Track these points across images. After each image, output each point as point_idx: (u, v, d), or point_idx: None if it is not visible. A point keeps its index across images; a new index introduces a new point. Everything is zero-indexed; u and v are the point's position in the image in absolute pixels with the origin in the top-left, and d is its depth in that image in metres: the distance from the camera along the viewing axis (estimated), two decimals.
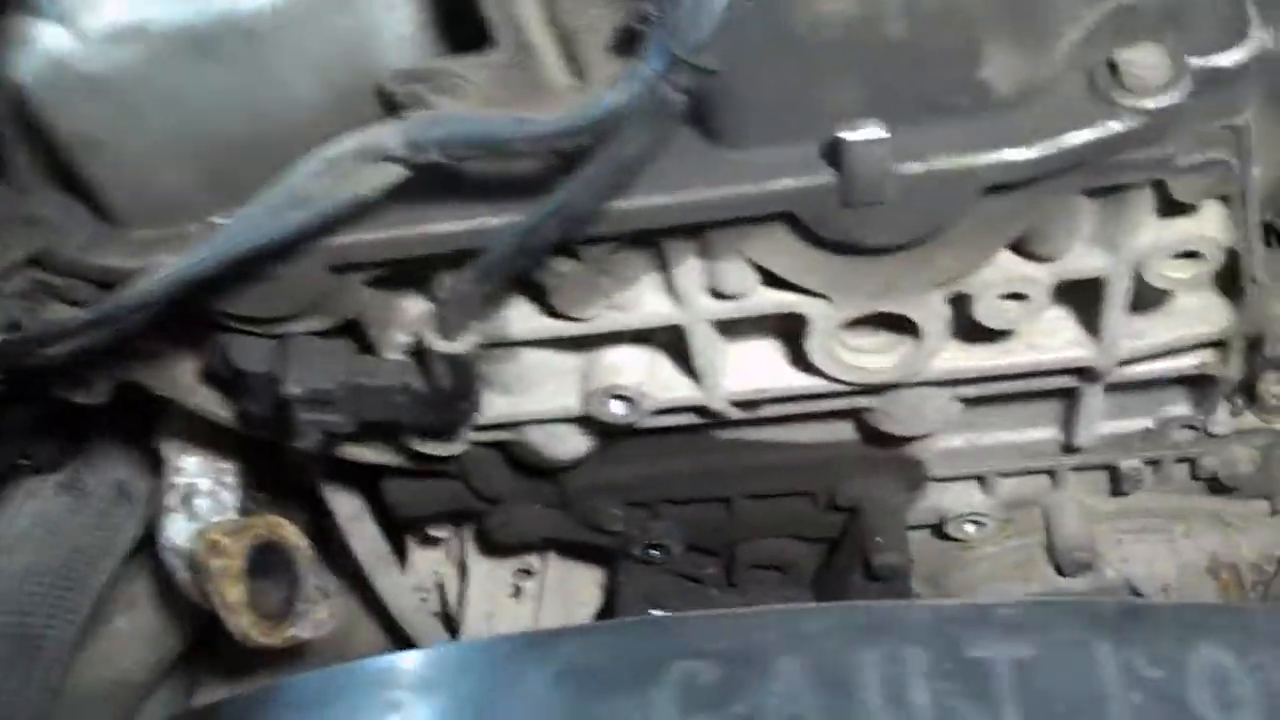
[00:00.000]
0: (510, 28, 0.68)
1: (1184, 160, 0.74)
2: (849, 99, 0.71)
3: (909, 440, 1.05)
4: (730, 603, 1.28)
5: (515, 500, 1.18)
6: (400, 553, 1.39)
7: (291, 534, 1.22)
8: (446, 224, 0.78)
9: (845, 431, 1.07)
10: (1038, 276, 0.83)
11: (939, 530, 1.17)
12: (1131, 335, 0.90)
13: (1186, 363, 0.94)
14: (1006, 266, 0.84)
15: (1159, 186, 0.77)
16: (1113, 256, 0.82)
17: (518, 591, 1.34)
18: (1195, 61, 0.72)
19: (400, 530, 1.35)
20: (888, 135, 0.70)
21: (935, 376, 0.93)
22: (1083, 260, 0.83)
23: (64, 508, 1.34)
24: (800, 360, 0.92)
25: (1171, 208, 0.79)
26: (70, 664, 1.29)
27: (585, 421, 1.00)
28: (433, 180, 0.73)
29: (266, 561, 1.20)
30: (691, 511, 1.19)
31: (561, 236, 0.74)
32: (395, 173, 0.72)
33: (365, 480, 1.27)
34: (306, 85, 0.74)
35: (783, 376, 0.95)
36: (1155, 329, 0.90)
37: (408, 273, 0.87)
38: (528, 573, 1.35)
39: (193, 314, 0.86)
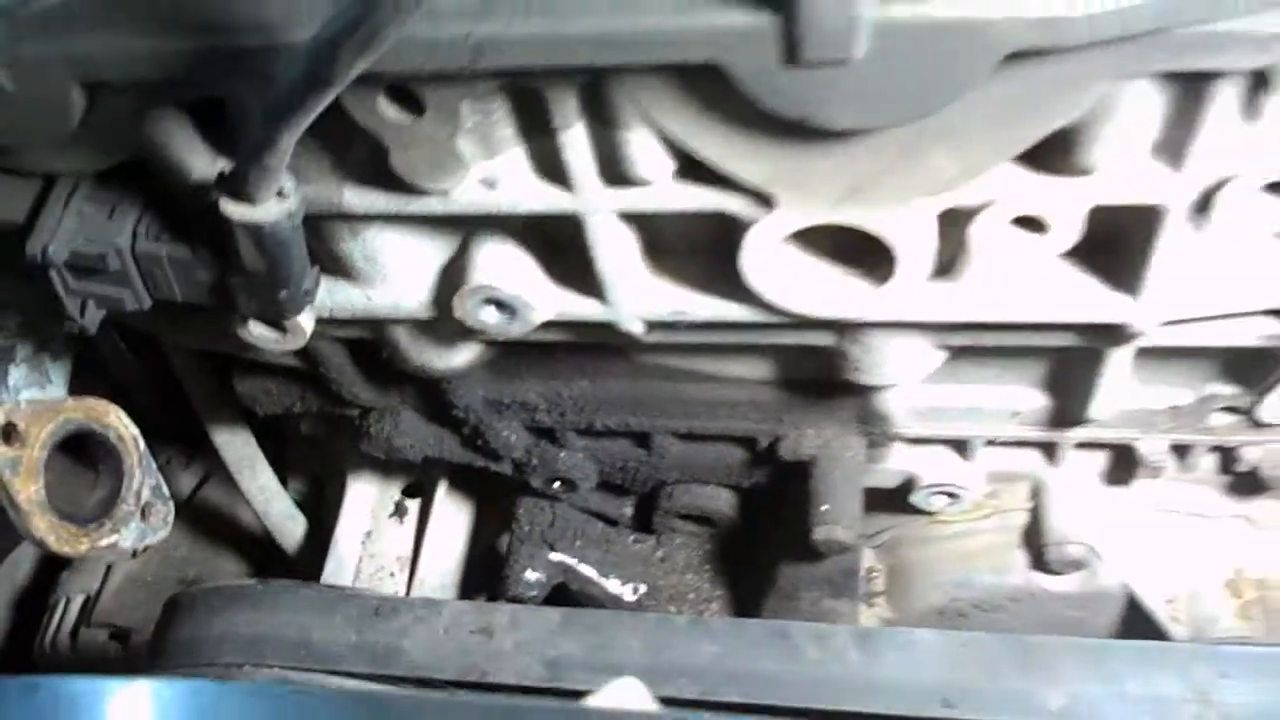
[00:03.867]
0: None
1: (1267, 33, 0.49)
2: None
3: (874, 389, 0.82)
4: (647, 553, 1.07)
5: (388, 409, 0.96)
6: None
7: (118, 421, 1.00)
8: (208, 37, 0.54)
9: (796, 369, 0.84)
10: (1067, 198, 0.59)
11: (903, 498, 0.95)
12: (1181, 291, 0.66)
13: (1247, 333, 0.70)
14: (1023, 179, 0.59)
15: (1258, 81, 0.52)
16: (1175, 175, 0.57)
17: (400, 511, 1.14)
18: None
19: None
20: None
21: (912, 319, 0.70)
22: (1134, 179, 0.58)
23: None
24: (734, 278, 0.68)
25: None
26: None
27: (451, 326, 0.77)
28: None
29: (89, 453, 0.99)
30: (605, 445, 0.97)
31: (367, 63, 0.50)
32: None
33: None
34: None
35: (711, 297, 0.71)
36: (1213, 287, 0.66)
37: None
38: (416, 492, 1.14)
39: None
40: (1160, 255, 0.63)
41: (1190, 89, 0.54)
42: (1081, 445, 0.88)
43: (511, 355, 0.88)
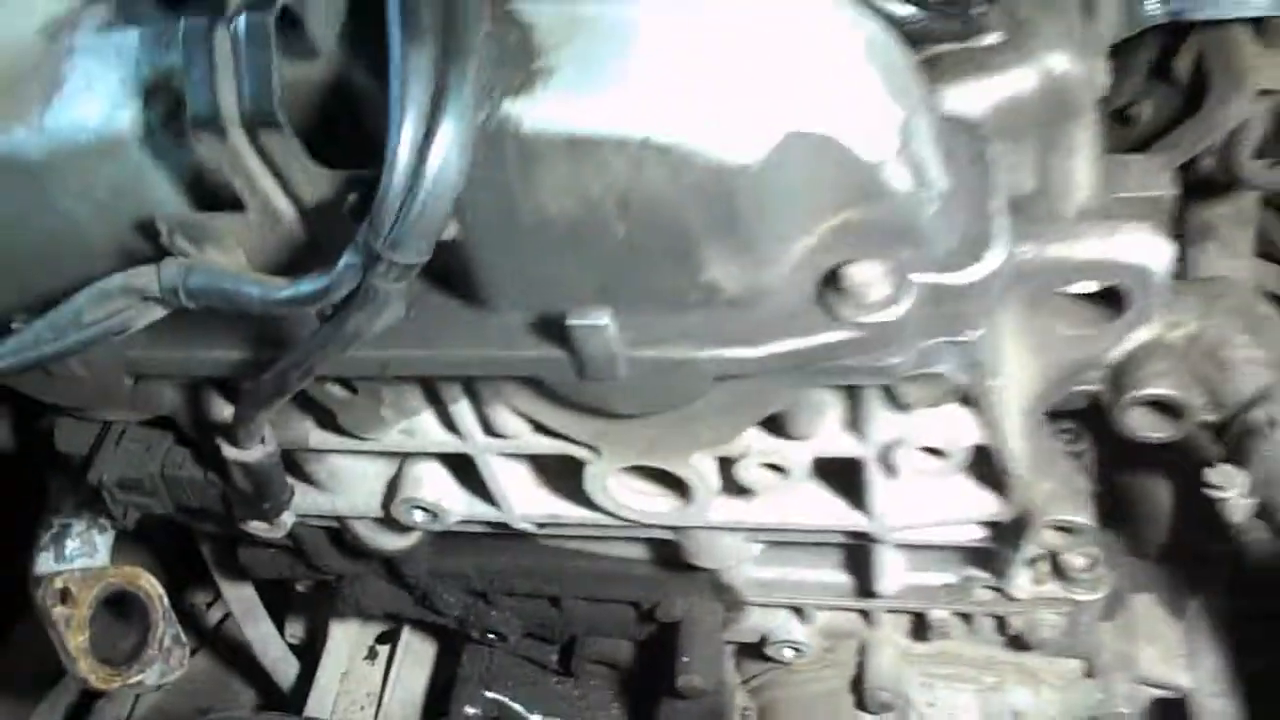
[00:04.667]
0: (255, 197, 0.72)
1: (906, 370, 0.76)
2: (583, 284, 0.74)
3: (713, 570, 1.07)
4: (567, 692, 1.32)
5: (357, 576, 1.22)
6: None
7: (148, 584, 1.27)
8: (214, 352, 0.82)
9: (662, 551, 1.10)
10: (792, 453, 0.86)
11: (761, 651, 1.19)
12: (905, 508, 0.92)
13: (966, 536, 0.96)
14: (765, 439, 0.86)
15: (888, 390, 0.79)
16: (862, 444, 0.84)
17: (373, 654, 1.39)
18: (923, 278, 0.74)
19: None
20: (608, 323, 0.73)
21: (716, 523, 0.96)
22: (835, 443, 0.85)
23: None
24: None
25: (907, 406, 0.81)
26: None
27: (394, 522, 1.04)
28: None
29: (124, 607, 1.27)
30: (526, 605, 1.23)
31: (313, 377, 0.78)
32: (157, 310, 0.77)
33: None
34: (87, 216, 0.79)
35: (575, 506, 0.98)
36: (928, 506, 0.92)
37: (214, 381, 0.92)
38: (388, 638, 1.40)
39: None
40: (871, 488, 0.89)
41: (849, 391, 0.81)
42: (890, 611, 1.13)
43: (448, 537, 1.14)
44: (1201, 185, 1.65)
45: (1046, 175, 0.96)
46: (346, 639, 1.40)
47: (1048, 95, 0.93)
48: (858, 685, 1.15)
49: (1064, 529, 0.89)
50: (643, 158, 0.67)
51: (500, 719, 1.29)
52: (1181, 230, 1.68)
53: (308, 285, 0.69)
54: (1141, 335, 1.02)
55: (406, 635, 1.38)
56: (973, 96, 0.91)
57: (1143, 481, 1.20)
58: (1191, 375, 0.99)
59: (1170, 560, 1.20)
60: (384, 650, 1.40)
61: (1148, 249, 0.81)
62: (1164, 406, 0.97)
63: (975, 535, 0.96)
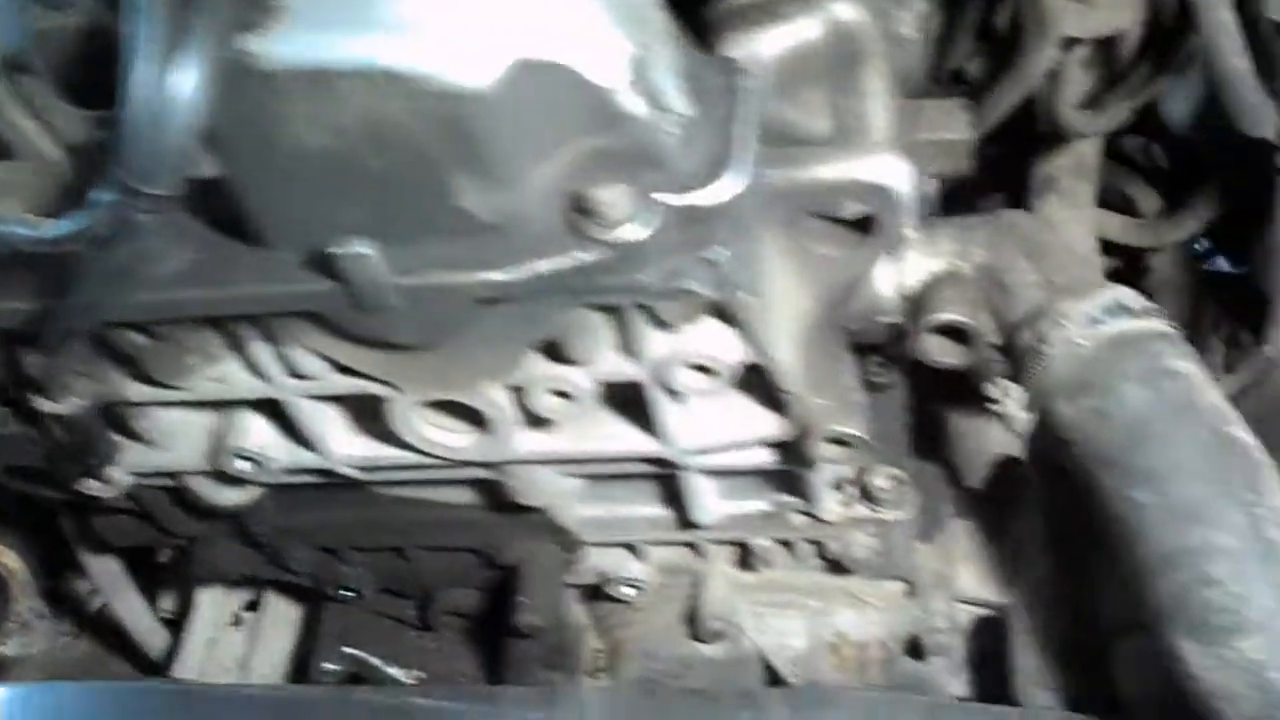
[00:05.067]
0: (21, 141, 0.76)
1: (657, 288, 0.80)
2: (348, 216, 0.79)
3: (534, 508, 1.12)
4: (426, 645, 1.36)
5: (208, 537, 1.25)
6: None
7: (10, 560, 1.30)
8: (9, 303, 0.85)
9: (492, 494, 1.14)
10: (575, 378, 0.91)
11: (601, 591, 1.24)
12: (695, 431, 0.97)
13: (762, 458, 1.01)
14: (549, 366, 0.91)
15: (648, 309, 0.84)
16: (636, 364, 0.89)
17: (238, 620, 1.42)
18: (668, 199, 0.79)
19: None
20: (371, 252, 0.78)
21: (523, 456, 1.00)
22: (614, 366, 0.90)
23: None
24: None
25: (668, 324, 0.86)
26: None
27: (225, 475, 1.07)
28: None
29: None
30: (377, 558, 1.26)
31: (98, 320, 0.82)
32: None
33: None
34: None
35: (389, 447, 1.02)
36: (717, 428, 0.97)
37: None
38: (254, 605, 1.43)
39: None
40: (659, 411, 0.94)
41: (617, 314, 0.86)
42: (716, 542, 1.18)
43: (290, 492, 1.18)
44: (1045, 139, 1.73)
45: (841, 118, 1.02)
46: (213, 607, 1.42)
47: (834, 42, 0.99)
48: (691, 618, 1.20)
49: (840, 442, 0.94)
50: (382, 88, 0.72)
51: (359, 674, 1.32)
52: (1026, 184, 1.76)
53: (68, 223, 0.72)
54: (936, 266, 1.08)
55: (272, 599, 1.41)
56: (766, 43, 0.97)
57: (954, 410, 1.26)
58: (981, 302, 1.06)
59: (986, 484, 1.26)
60: (252, 617, 1.43)
61: (890, 171, 0.87)
62: (956, 332, 1.03)
63: (770, 458, 1.01)
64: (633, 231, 0.78)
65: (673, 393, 0.91)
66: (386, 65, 0.71)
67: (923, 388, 1.20)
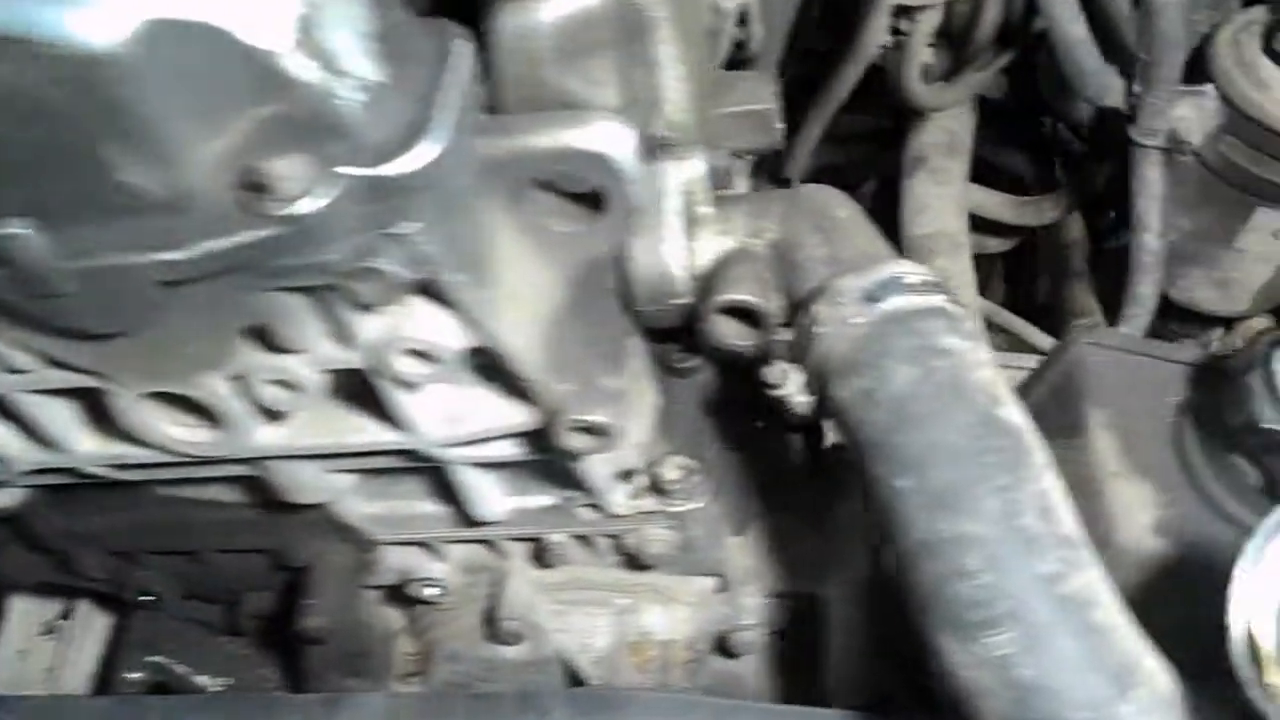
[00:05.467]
0: None
1: (343, 266, 0.75)
2: (9, 198, 0.73)
3: (314, 506, 1.06)
4: (235, 651, 1.30)
5: None
6: None
7: None
8: None
9: (264, 493, 1.08)
10: (294, 366, 0.85)
11: (401, 593, 1.18)
12: (439, 421, 0.91)
13: (525, 449, 0.96)
14: (266, 356, 0.85)
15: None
16: (349, 351, 0.84)
17: (50, 630, 1.37)
18: (350, 170, 0.73)
19: None
20: (28, 232, 0.72)
21: (267, 451, 0.95)
22: (329, 353, 0.84)
23: None
24: None
25: (371, 306, 0.80)
26: None
27: None
28: None
29: None
30: (172, 562, 1.21)
31: None
32: None
33: None
34: None
35: (131, 445, 0.96)
36: (464, 418, 0.92)
37: None
38: (66, 615, 1.38)
39: None
40: (392, 401, 0.88)
41: (318, 297, 0.80)
42: (510, 539, 1.12)
43: (67, 493, 1.12)
44: (910, 116, 1.69)
45: (631, 90, 0.96)
46: (25, 617, 1.37)
47: (616, 12, 0.94)
48: (490, 619, 1.15)
49: (587, 430, 0.89)
50: (8, 54, 0.66)
51: (165, 683, 1.27)
52: (898, 162, 1.71)
53: None
54: (728, 244, 1.03)
55: (84, 608, 1.35)
56: (546, 9, 0.92)
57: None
58: (771, 280, 1.00)
59: (803, 471, 1.21)
60: (65, 625, 1.37)
61: (609, 138, 0.82)
62: (747, 313, 0.98)
63: (527, 449, 0.96)
64: (308, 205, 0.72)
65: (400, 381, 0.85)
66: (8, 31, 0.65)
67: (733, 372, 1.15)
